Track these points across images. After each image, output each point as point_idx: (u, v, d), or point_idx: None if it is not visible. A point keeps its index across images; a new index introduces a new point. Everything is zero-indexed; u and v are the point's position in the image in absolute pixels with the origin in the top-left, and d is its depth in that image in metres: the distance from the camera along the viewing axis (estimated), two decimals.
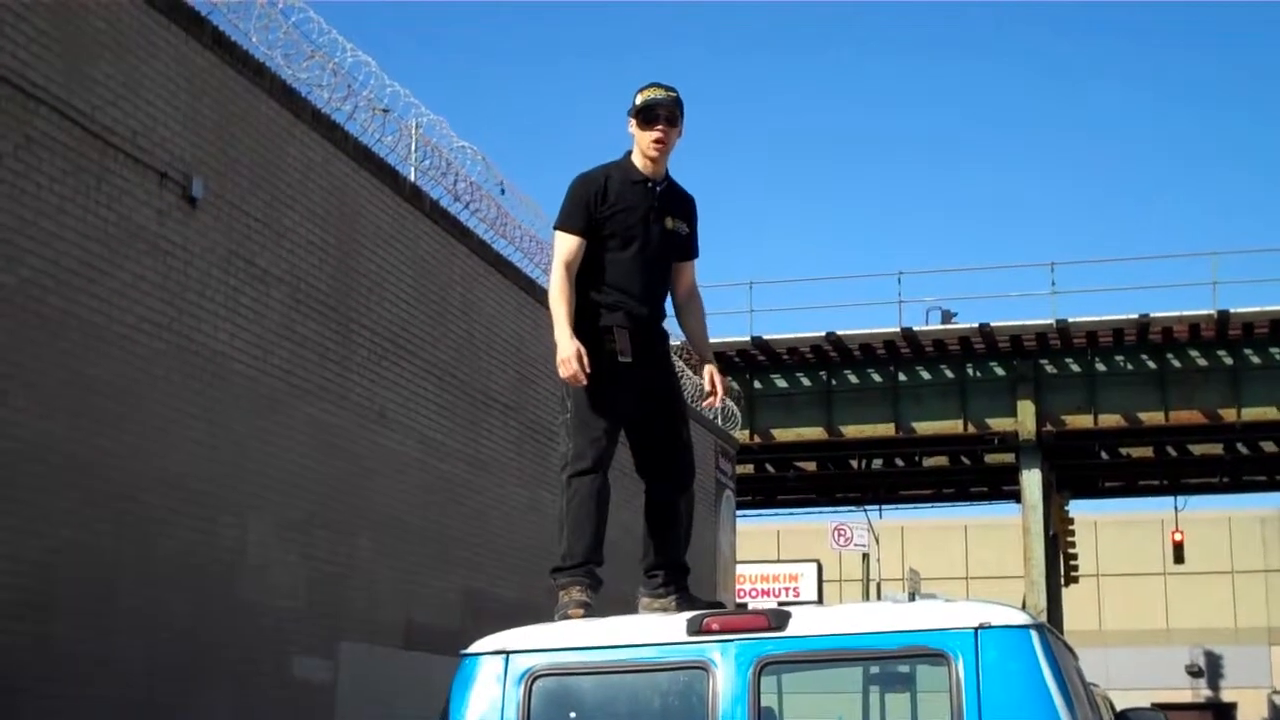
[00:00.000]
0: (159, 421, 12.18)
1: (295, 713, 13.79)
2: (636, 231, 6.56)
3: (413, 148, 17.43)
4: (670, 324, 6.92)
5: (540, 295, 19.95)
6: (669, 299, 6.94)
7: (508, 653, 5.44)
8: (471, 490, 17.79)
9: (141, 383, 12.00)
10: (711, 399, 6.85)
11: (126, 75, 12.03)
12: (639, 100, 6.61)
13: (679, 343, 7.24)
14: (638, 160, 6.66)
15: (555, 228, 6.64)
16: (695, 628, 5.29)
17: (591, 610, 6.13)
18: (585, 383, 6.31)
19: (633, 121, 6.63)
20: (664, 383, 6.73)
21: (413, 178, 17.18)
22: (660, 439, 6.66)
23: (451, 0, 76.05)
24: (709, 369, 6.85)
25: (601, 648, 5.42)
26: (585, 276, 6.57)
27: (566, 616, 6.07)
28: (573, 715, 5.50)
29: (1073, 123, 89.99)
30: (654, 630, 5.46)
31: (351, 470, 15.11)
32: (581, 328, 6.49)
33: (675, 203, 6.76)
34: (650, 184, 6.64)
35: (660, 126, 6.58)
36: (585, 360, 6.30)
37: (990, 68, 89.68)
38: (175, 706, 12.08)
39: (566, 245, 6.53)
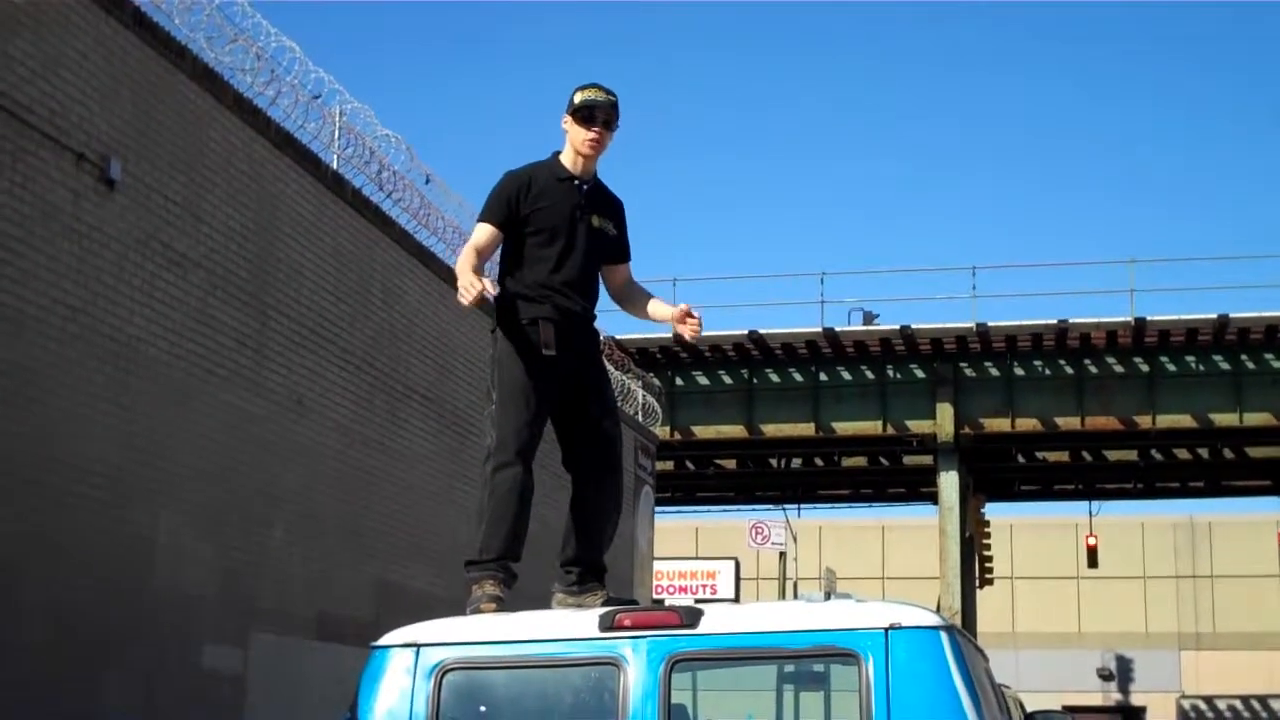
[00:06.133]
0: (70, 406, 12.02)
1: (204, 702, 13.66)
2: (562, 228, 6.53)
3: (336, 135, 17.29)
4: (602, 322, 6.87)
5: None
6: (609, 299, 6.90)
7: (418, 646, 5.39)
8: (388, 481, 17.68)
9: (53, 366, 11.82)
10: (684, 320, 6.66)
11: (45, 54, 11.85)
12: (578, 99, 6.58)
13: (606, 338, 7.17)
14: (567, 158, 6.63)
15: (477, 220, 6.61)
16: (607, 624, 5.26)
17: (504, 605, 6.08)
18: (492, 294, 6.29)
19: (568, 118, 6.60)
20: (591, 376, 6.69)
21: (335, 165, 17.04)
22: (588, 432, 6.62)
23: None
24: (679, 308, 6.69)
25: (513, 642, 5.38)
26: (513, 272, 6.56)
27: (478, 610, 6.02)
28: (483, 709, 5.46)
29: (998, 126, 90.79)
30: (566, 625, 5.43)
31: (266, 459, 14.97)
32: (508, 321, 6.46)
33: (602, 203, 6.74)
34: (577, 182, 6.61)
35: (597, 128, 6.56)
36: (485, 282, 6.26)
37: (911, 69, 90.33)
38: (81, 694, 11.93)
39: (481, 233, 6.51)
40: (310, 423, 15.91)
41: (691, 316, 6.68)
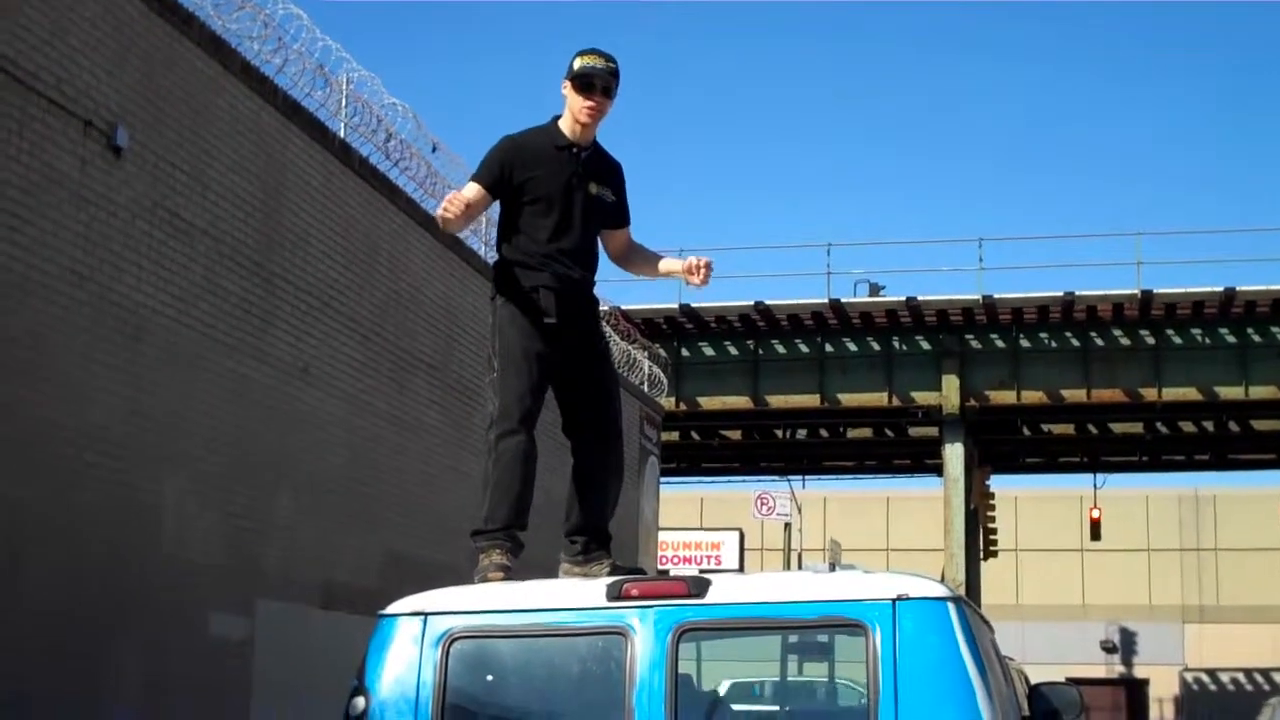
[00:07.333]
0: (78, 373, 12.02)
1: (210, 670, 13.68)
2: (560, 196, 6.51)
3: (343, 103, 17.24)
4: (609, 292, 6.89)
5: (468, 256, 19.86)
6: (609, 263, 6.88)
7: (426, 614, 5.40)
8: (394, 450, 17.69)
9: (61, 334, 11.82)
10: (693, 271, 6.64)
11: (52, 21, 11.81)
12: (577, 65, 6.53)
13: (607, 308, 7.18)
14: (565, 125, 6.60)
15: (470, 179, 6.61)
16: (615, 593, 5.27)
17: (511, 574, 6.09)
18: (452, 213, 6.33)
19: (567, 84, 6.56)
20: (592, 343, 6.69)
21: (342, 134, 17.00)
22: (588, 398, 6.62)
23: None
24: (688, 260, 6.66)
25: (520, 611, 5.39)
26: (511, 240, 6.55)
27: (486, 579, 6.03)
28: (490, 678, 5.48)
29: (1006, 100, 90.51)
30: (574, 595, 5.44)
31: (272, 427, 14.98)
32: (508, 289, 6.46)
33: (601, 169, 6.70)
34: (575, 149, 6.58)
35: (596, 97, 6.52)
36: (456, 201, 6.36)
37: (917, 43, 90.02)
38: (88, 659, 11.96)
39: (469, 190, 6.51)
40: (317, 391, 15.91)
41: (700, 266, 6.64)
